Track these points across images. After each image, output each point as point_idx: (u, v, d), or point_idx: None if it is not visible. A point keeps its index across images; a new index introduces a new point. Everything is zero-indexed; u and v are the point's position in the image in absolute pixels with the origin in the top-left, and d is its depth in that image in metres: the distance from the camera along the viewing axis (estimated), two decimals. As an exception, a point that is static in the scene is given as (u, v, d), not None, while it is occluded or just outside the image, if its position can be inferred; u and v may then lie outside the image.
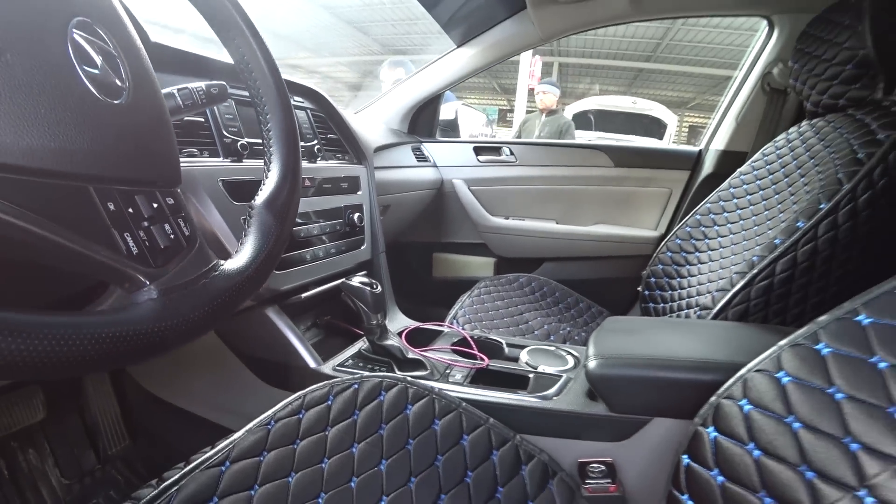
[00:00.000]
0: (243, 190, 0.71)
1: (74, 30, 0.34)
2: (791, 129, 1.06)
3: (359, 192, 1.01)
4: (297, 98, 0.98)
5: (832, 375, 0.44)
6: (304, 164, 0.89)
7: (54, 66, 0.32)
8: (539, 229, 1.64)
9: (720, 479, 0.48)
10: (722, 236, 1.07)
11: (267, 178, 0.49)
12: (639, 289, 1.24)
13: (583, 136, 7.28)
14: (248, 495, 0.50)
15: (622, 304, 1.60)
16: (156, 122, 0.38)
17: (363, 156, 1.08)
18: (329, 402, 0.62)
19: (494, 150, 1.70)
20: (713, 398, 0.53)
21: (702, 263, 1.07)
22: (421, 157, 1.58)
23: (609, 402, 0.64)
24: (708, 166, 1.54)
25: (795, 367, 0.47)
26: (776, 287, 0.81)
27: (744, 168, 1.12)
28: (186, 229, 0.38)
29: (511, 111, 11.40)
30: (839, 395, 0.43)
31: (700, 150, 1.60)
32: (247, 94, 0.56)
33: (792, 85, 1.09)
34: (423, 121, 1.74)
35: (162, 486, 0.48)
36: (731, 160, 1.45)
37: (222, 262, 0.41)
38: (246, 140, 0.76)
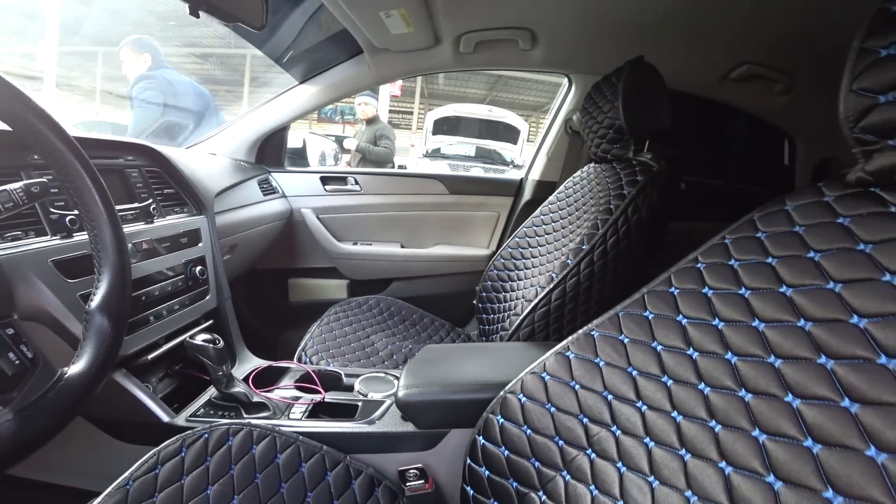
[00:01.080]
0: (77, 266, 0.73)
1: None
2: (582, 169, 1.34)
3: (200, 244, 1.06)
4: (128, 157, 1.00)
5: (573, 372, 0.64)
6: (141, 226, 0.93)
7: None
8: (385, 253, 1.81)
9: (506, 452, 0.66)
10: (534, 257, 1.30)
11: (98, 283, 0.56)
12: (474, 302, 1.46)
13: (446, 141, 7.63)
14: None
15: (463, 317, 1.83)
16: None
17: (203, 205, 1.13)
18: (182, 454, 0.71)
19: (340, 179, 1.82)
20: (484, 413, 0.72)
21: (520, 280, 1.30)
22: (268, 190, 1.64)
23: (415, 421, 0.82)
24: (527, 193, 1.83)
25: (553, 368, 0.66)
26: (552, 312, 1.05)
27: (550, 198, 1.38)
28: (29, 352, 0.45)
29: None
30: (576, 386, 0.63)
31: (521, 179, 1.89)
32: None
33: (582, 134, 1.38)
34: (271, 151, 1.80)
35: None
36: (544, 189, 1.75)
37: (66, 369, 0.49)
38: (75, 213, 0.78)
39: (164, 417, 0.84)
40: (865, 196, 0.48)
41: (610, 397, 0.60)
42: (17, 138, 0.71)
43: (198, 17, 0.95)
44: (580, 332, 0.67)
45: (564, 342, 0.68)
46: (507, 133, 7.50)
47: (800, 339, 0.45)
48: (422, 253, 1.83)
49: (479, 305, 1.42)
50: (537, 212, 1.38)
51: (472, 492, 0.70)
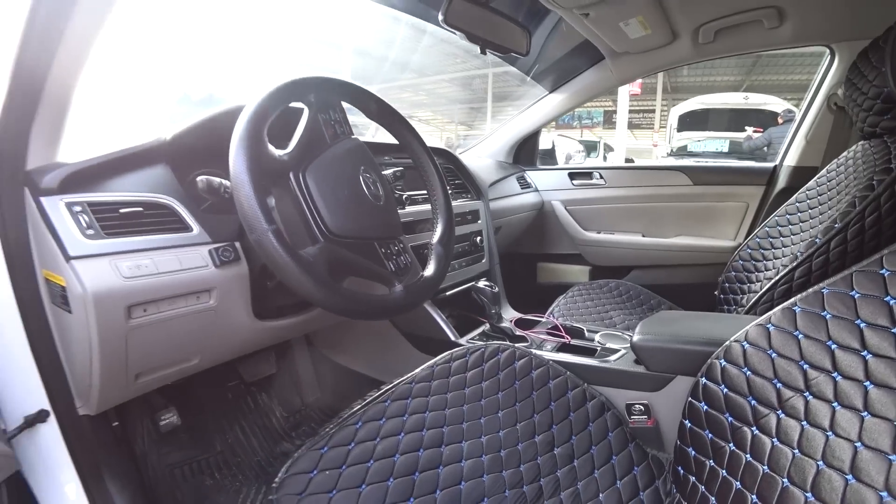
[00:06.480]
0: (410, 227, 1.13)
1: (362, 173, 0.78)
2: (850, 149, 1.23)
3: (479, 221, 1.41)
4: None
5: (772, 343, 0.72)
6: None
7: (355, 191, 0.76)
8: (627, 241, 1.93)
9: (724, 390, 0.75)
10: (784, 246, 1.26)
11: (437, 227, 0.91)
12: (716, 293, 1.47)
13: (694, 137, 7.03)
14: (425, 402, 0.90)
15: (702, 307, 1.79)
16: (393, 210, 0.82)
17: (480, 193, 1.49)
18: (467, 358, 1.01)
19: (586, 174, 2.02)
20: (709, 360, 0.82)
21: (767, 270, 1.27)
22: (524, 184, 1.96)
23: (647, 364, 0.95)
24: (781, 181, 1.71)
25: (754, 337, 0.74)
26: (794, 290, 1.03)
27: (810, 184, 1.29)
28: (410, 259, 0.80)
29: (615, 112, 11.27)
30: (773, 354, 0.72)
31: (775, 166, 1.77)
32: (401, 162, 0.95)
33: (847, 109, 1.25)
34: (525, 152, 2.11)
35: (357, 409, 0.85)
36: (802, 175, 1.58)
37: (423, 273, 0.83)
38: (407, 193, 1.19)
39: (452, 337, 1.18)
40: None
41: (834, 347, 0.65)
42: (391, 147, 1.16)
43: (485, 54, 1.28)
44: (813, 288, 0.72)
45: (793, 299, 0.74)
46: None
47: None
48: (663, 242, 1.88)
49: (721, 297, 1.42)
50: (793, 199, 1.30)
51: (689, 424, 0.81)
